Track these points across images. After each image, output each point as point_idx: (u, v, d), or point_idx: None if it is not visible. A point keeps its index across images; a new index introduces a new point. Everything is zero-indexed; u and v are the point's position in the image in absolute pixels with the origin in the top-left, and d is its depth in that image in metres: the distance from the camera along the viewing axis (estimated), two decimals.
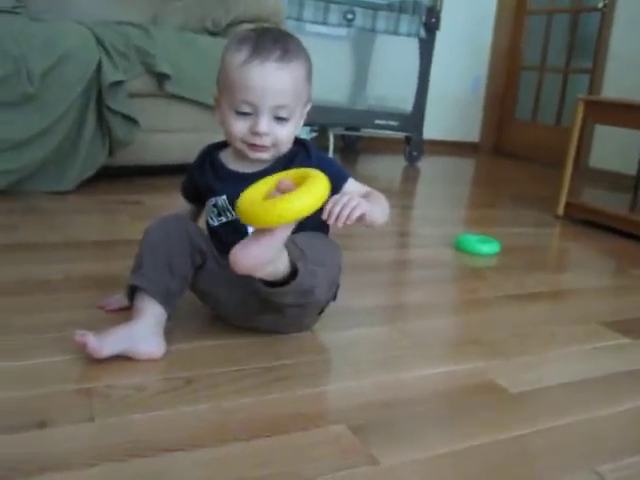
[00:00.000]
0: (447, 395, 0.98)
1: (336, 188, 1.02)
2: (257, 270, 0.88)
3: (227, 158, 1.10)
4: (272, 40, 1.01)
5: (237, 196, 0.88)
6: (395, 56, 3.66)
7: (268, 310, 1.04)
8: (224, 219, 1.08)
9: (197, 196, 1.14)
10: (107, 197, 2.11)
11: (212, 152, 1.12)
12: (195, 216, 1.20)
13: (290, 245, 0.93)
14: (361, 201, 0.93)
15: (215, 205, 1.08)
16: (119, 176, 2.39)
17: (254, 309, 1.06)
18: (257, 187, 0.89)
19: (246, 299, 1.05)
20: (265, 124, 1.00)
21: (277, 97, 0.99)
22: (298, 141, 1.09)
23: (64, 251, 1.51)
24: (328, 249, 1.04)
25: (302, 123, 1.10)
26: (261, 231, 0.85)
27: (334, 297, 1.16)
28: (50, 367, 0.94)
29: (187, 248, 1.03)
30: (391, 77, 3.69)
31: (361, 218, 0.93)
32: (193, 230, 1.05)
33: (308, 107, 1.09)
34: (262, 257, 0.86)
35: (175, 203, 1.21)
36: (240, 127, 1.02)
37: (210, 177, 1.10)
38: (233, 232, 1.03)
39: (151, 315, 1.00)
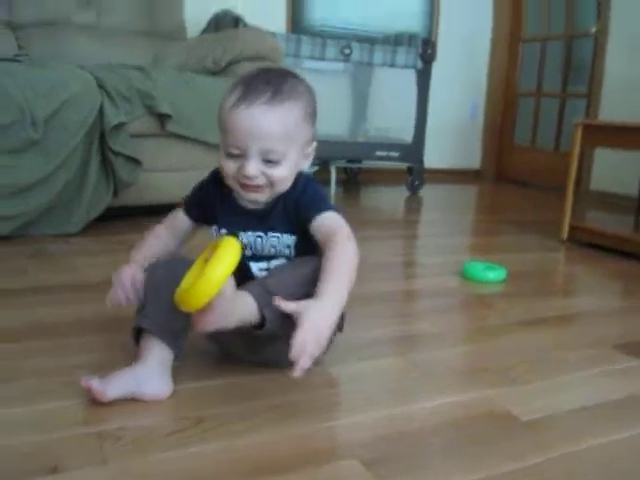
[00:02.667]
0: (459, 425, 0.97)
1: (307, 219, 1.02)
2: (223, 328, 0.93)
3: (233, 193, 1.10)
4: (264, 82, 1.01)
5: (235, 233, 0.98)
6: (393, 88, 3.70)
7: (274, 340, 1.04)
8: None
9: (202, 215, 1.14)
10: (112, 237, 2.13)
11: (222, 186, 1.09)
12: (189, 236, 1.19)
13: (257, 290, 0.96)
14: (314, 342, 0.88)
15: (218, 235, 1.09)
16: (122, 216, 2.41)
17: (260, 341, 1.06)
18: (190, 273, 0.94)
19: (251, 332, 1.06)
20: (252, 167, 1.00)
21: (264, 141, 0.99)
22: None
23: (72, 293, 1.52)
24: (306, 280, 0.98)
25: (308, 162, 1.09)
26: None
27: (340, 328, 1.16)
28: (60, 411, 0.94)
29: None
30: (390, 109, 3.74)
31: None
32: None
33: (312, 147, 1.08)
34: (220, 320, 0.92)
35: (165, 222, 1.17)
36: (231, 167, 1.02)
37: (218, 205, 1.10)
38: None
39: (156, 355, 1.00)
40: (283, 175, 1.03)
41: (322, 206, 1.04)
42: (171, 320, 1.01)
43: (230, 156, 1.02)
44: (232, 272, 0.89)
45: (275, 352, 1.09)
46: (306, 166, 1.09)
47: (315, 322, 0.89)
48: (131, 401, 0.96)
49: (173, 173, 2.47)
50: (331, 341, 1.13)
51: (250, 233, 1.07)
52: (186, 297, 0.89)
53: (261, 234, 1.06)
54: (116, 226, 2.29)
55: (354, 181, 4.19)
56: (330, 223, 1.03)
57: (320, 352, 0.91)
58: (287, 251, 1.07)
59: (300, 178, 1.07)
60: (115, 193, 2.27)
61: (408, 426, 0.96)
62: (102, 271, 1.74)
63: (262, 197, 1.05)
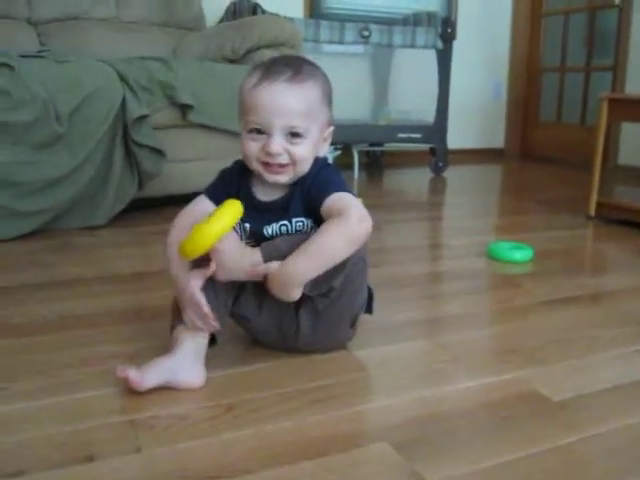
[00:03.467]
0: (489, 407, 0.97)
1: (318, 202, 1.02)
2: (235, 278, 1.02)
3: (255, 182, 1.10)
4: (284, 63, 1.03)
5: (259, 228, 1.05)
6: (414, 69, 3.67)
7: (304, 318, 1.07)
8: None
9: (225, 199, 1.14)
10: (140, 229, 2.15)
11: (246, 171, 1.10)
12: None
13: (267, 248, 1.01)
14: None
15: (243, 229, 1.10)
16: (148, 207, 2.43)
17: (290, 324, 1.09)
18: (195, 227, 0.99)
19: (283, 318, 1.08)
20: (277, 144, 1.00)
21: (287, 116, 1.00)
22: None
23: (102, 285, 1.54)
24: None
25: (326, 146, 1.10)
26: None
27: (369, 310, 1.16)
28: (94, 401, 0.96)
29: (225, 284, 1.04)
30: (411, 90, 3.70)
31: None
32: None
33: (330, 130, 1.09)
34: (226, 272, 1.00)
35: (187, 211, 1.15)
36: (253, 147, 1.02)
37: (241, 198, 1.09)
38: None
39: (191, 344, 1.02)
40: (305, 154, 1.03)
41: (333, 188, 1.03)
42: (211, 302, 1.01)
43: (253, 136, 1.02)
44: (230, 227, 0.98)
45: (306, 338, 1.10)
46: (324, 150, 1.09)
47: (273, 278, 0.98)
48: (165, 389, 0.98)
49: (197, 163, 2.47)
50: (356, 320, 1.13)
51: (275, 225, 1.07)
52: (184, 246, 0.97)
53: (285, 223, 1.07)
54: (142, 217, 2.31)
55: (377, 164, 4.16)
56: (340, 203, 1.00)
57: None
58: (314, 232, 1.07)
59: (316, 163, 1.07)
60: (140, 185, 2.28)
61: (438, 409, 0.96)
62: (130, 262, 1.76)
63: (284, 178, 1.04)
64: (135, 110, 2.16)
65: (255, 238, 1.06)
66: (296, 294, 0.99)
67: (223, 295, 1.05)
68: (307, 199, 1.05)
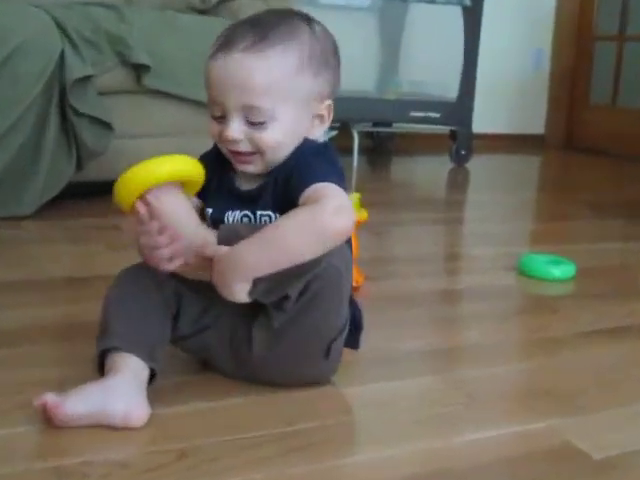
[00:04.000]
0: (513, 463, 0.97)
1: (296, 193, 1.02)
2: (182, 261, 1.04)
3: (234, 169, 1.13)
4: (252, 24, 1.05)
5: (220, 214, 1.08)
6: (433, 30, 3.68)
7: (257, 332, 1.07)
8: None
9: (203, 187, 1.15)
10: (76, 222, 2.15)
11: (224, 159, 1.13)
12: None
13: (225, 230, 1.04)
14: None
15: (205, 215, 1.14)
16: (90, 195, 2.42)
17: (242, 337, 1.09)
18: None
19: (237, 328, 1.10)
20: (232, 129, 1.03)
21: (242, 96, 1.02)
22: None
23: (27, 292, 1.54)
24: None
25: (323, 127, 1.11)
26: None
27: (353, 342, 1.16)
28: (10, 441, 0.95)
29: (158, 295, 1.08)
30: (429, 56, 3.72)
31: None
32: (161, 273, 1.08)
33: (325, 105, 1.10)
34: (175, 247, 1.02)
35: None
36: (215, 131, 1.07)
37: (214, 182, 1.13)
38: None
39: (130, 370, 1.02)
40: (274, 140, 1.04)
41: (317, 177, 1.02)
42: (144, 330, 1.04)
43: (214, 117, 1.06)
44: (176, 177, 1.02)
45: (265, 364, 1.10)
46: (319, 132, 1.10)
47: (217, 264, 0.99)
48: (98, 428, 0.97)
49: (153, 140, 2.47)
50: (330, 348, 1.12)
51: (237, 213, 1.10)
52: (118, 186, 1.02)
53: (248, 213, 1.09)
54: (80, 207, 2.31)
55: (383, 149, 4.18)
56: (318, 193, 1.00)
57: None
58: None
59: (302, 147, 1.08)
60: (79, 165, 2.27)
61: (447, 464, 0.96)
62: (63, 264, 1.76)
63: (253, 168, 1.07)
64: (76, 69, 2.16)
65: (215, 226, 1.09)
66: (240, 291, 0.99)
67: (160, 318, 1.08)
68: (285, 190, 1.06)
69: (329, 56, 1.09)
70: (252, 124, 1.04)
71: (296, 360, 1.11)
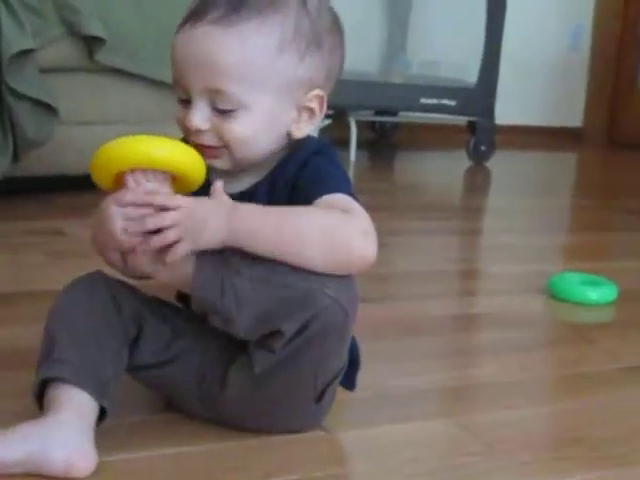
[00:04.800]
0: None
1: (307, 199, 1.03)
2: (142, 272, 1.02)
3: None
4: None
5: None
6: (450, 2, 3.69)
7: (234, 374, 1.07)
8: None
9: None
10: (10, 225, 2.14)
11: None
12: None
13: (211, 258, 1.00)
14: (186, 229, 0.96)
15: None
16: (27, 192, 2.42)
17: (215, 370, 1.09)
18: None
19: (208, 365, 1.09)
20: (196, 116, 1.02)
21: (208, 77, 1.01)
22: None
23: None
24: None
25: (312, 122, 1.09)
26: None
27: (348, 381, 1.15)
28: None
29: (115, 316, 1.06)
30: (444, 32, 3.72)
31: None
32: (120, 289, 1.08)
33: (315, 94, 1.07)
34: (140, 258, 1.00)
35: None
36: (180, 118, 1.06)
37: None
38: None
39: (75, 409, 1.00)
40: (241, 133, 1.03)
41: (331, 186, 1.03)
42: (97, 358, 1.03)
43: (180, 102, 1.06)
44: (171, 168, 1.00)
45: (240, 407, 1.10)
46: (306, 129, 1.09)
47: (196, 209, 0.97)
48: (34, 477, 0.96)
49: (109, 127, 2.46)
50: (324, 393, 1.11)
51: None
52: (106, 151, 1.00)
53: None
54: (15, 208, 2.30)
55: (387, 143, 4.19)
56: (339, 205, 1.01)
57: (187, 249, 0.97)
58: None
59: (300, 147, 1.08)
60: (15, 157, 2.27)
61: None
62: None
63: (220, 163, 1.06)
64: (14, 41, 2.16)
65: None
66: (209, 239, 0.98)
67: (114, 343, 1.06)
68: (282, 198, 1.05)
69: (323, 35, 1.07)
70: (219, 112, 1.03)
71: (280, 405, 1.11)
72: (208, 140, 1.04)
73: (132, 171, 0.99)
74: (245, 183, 1.09)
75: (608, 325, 1.74)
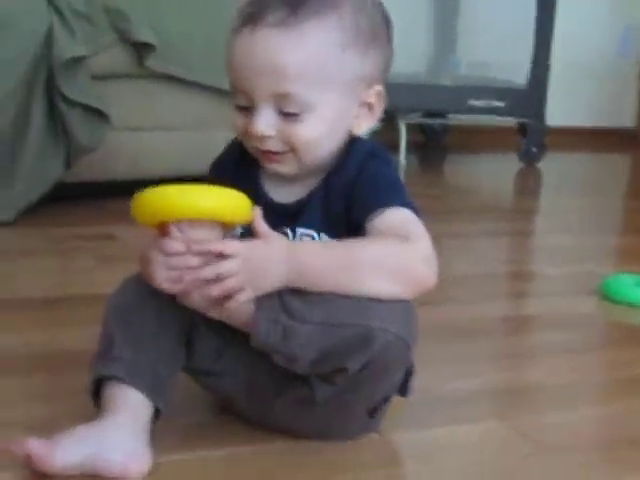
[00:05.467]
0: None
1: (363, 216, 1.02)
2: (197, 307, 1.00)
3: (264, 173, 1.11)
4: None
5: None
6: (499, 2, 3.67)
7: (289, 388, 1.06)
8: None
9: None
10: (62, 230, 2.17)
11: (249, 159, 1.11)
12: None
13: (269, 302, 0.98)
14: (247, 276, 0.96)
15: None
16: (78, 198, 2.45)
17: (271, 389, 1.09)
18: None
19: (260, 371, 1.09)
20: (262, 123, 1.00)
21: (273, 81, 0.99)
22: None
23: (2, 312, 1.55)
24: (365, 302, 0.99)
25: (371, 120, 1.08)
26: None
27: (403, 389, 1.14)
28: None
29: (171, 315, 1.05)
30: (494, 33, 3.70)
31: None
32: None
33: (376, 92, 1.07)
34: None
35: None
36: (240, 124, 1.04)
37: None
38: None
39: (131, 410, 1.01)
40: (309, 136, 1.02)
41: (389, 198, 1.03)
42: (154, 358, 1.03)
43: (239, 109, 1.04)
44: (216, 216, 0.97)
45: (286, 417, 1.10)
46: (367, 126, 1.09)
47: (254, 256, 0.96)
48: (90, 478, 0.97)
49: (159, 134, 2.49)
50: (377, 410, 1.12)
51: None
52: (138, 199, 0.98)
53: (286, 231, 1.07)
54: (66, 213, 2.33)
55: (436, 146, 4.17)
56: (399, 228, 1.01)
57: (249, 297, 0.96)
58: None
59: (355, 149, 1.07)
60: (68, 163, 2.30)
61: None
62: (43, 281, 1.77)
63: (285, 168, 1.05)
64: (66, 48, 2.18)
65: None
66: (270, 285, 0.98)
67: (173, 344, 1.06)
68: (343, 208, 1.05)
69: (379, 30, 1.06)
70: (285, 116, 1.01)
71: (334, 420, 1.11)
72: (273, 146, 1.03)
73: (178, 221, 0.97)
74: (300, 191, 1.08)
75: None
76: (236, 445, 1.10)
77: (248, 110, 1.02)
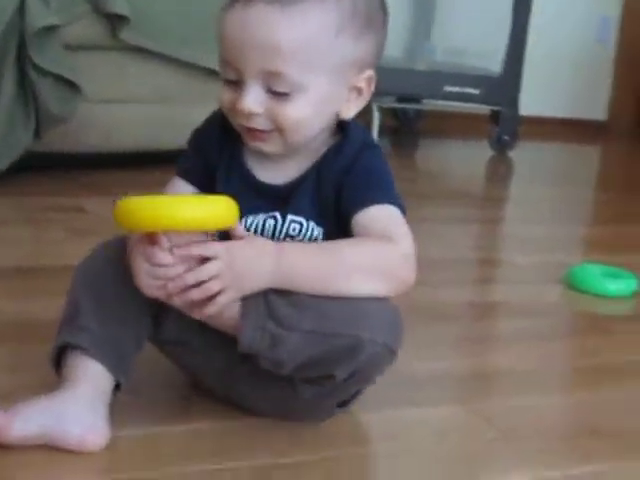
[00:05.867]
0: None
1: (350, 208, 1.03)
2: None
3: (247, 151, 1.10)
4: None
5: (261, 223, 1.05)
6: None
7: (271, 383, 1.07)
8: None
9: (208, 178, 1.12)
10: (31, 200, 2.15)
11: (232, 135, 1.10)
12: None
13: (255, 304, 0.98)
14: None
15: None
16: (49, 169, 2.42)
17: (243, 370, 1.08)
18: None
19: (233, 363, 1.08)
20: (249, 99, 0.99)
21: (266, 58, 0.98)
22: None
23: None
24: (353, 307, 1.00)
25: (359, 104, 1.08)
26: None
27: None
28: None
29: None
30: (470, 19, 3.70)
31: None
32: None
33: (367, 77, 1.06)
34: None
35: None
36: (226, 100, 1.03)
37: (222, 169, 1.10)
38: None
39: (90, 383, 1.01)
40: (297, 116, 1.01)
41: (378, 194, 1.04)
42: (120, 330, 1.03)
43: (226, 82, 1.03)
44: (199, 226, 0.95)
45: (256, 391, 1.10)
46: (355, 110, 1.08)
47: (236, 256, 0.96)
48: (44, 450, 0.97)
49: (131, 106, 2.48)
50: (347, 403, 1.13)
51: (262, 215, 1.07)
52: (120, 206, 0.94)
53: (276, 215, 1.07)
54: (38, 183, 2.31)
55: (409, 131, 4.17)
56: (384, 227, 1.03)
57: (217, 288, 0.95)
58: None
59: (352, 135, 1.07)
60: (38, 133, 2.28)
61: None
62: (15, 251, 1.76)
63: (269, 147, 1.04)
64: (39, 17, 2.16)
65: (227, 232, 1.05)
66: (254, 286, 0.98)
67: (139, 315, 1.05)
68: (333, 196, 1.05)
69: (375, 15, 1.06)
70: (273, 94, 1.00)
71: (306, 408, 1.12)
72: (260, 124, 1.01)
73: (165, 232, 0.95)
74: (289, 173, 1.08)
75: (626, 317, 1.73)
76: (198, 421, 1.10)
77: (237, 85, 1.01)
